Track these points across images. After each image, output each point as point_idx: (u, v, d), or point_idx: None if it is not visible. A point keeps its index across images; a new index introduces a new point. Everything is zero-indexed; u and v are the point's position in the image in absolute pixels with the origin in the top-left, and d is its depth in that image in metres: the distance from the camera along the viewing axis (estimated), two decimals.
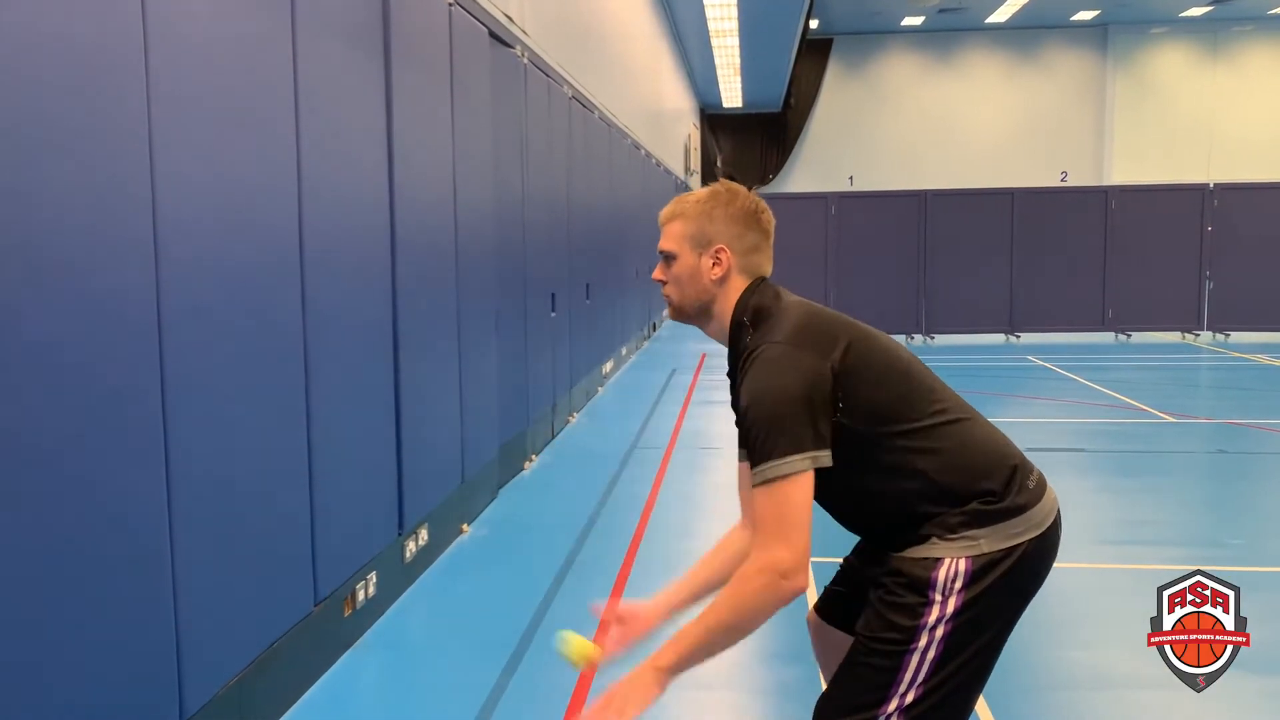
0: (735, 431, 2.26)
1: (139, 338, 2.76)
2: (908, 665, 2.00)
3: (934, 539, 2.03)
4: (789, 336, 2.05)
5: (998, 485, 2.04)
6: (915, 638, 2.00)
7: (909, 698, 2.00)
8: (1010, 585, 2.03)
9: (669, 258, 2.22)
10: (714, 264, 2.17)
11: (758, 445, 1.98)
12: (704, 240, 2.18)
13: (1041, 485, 2.12)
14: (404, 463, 4.78)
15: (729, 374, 2.23)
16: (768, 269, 2.23)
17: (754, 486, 1.98)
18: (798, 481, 1.94)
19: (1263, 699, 3.62)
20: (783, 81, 29.31)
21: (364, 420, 4.37)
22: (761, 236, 2.21)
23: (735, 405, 2.14)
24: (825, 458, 1.98)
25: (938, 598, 2.00)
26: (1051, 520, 2.10)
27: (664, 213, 2.24)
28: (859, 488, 2.10)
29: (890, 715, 2.00)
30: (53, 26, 2.45)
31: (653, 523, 5.93)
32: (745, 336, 2.13)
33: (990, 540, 2.01)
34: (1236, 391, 11.05)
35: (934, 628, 1.99)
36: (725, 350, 2.25)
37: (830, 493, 2.11)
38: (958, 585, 2.00)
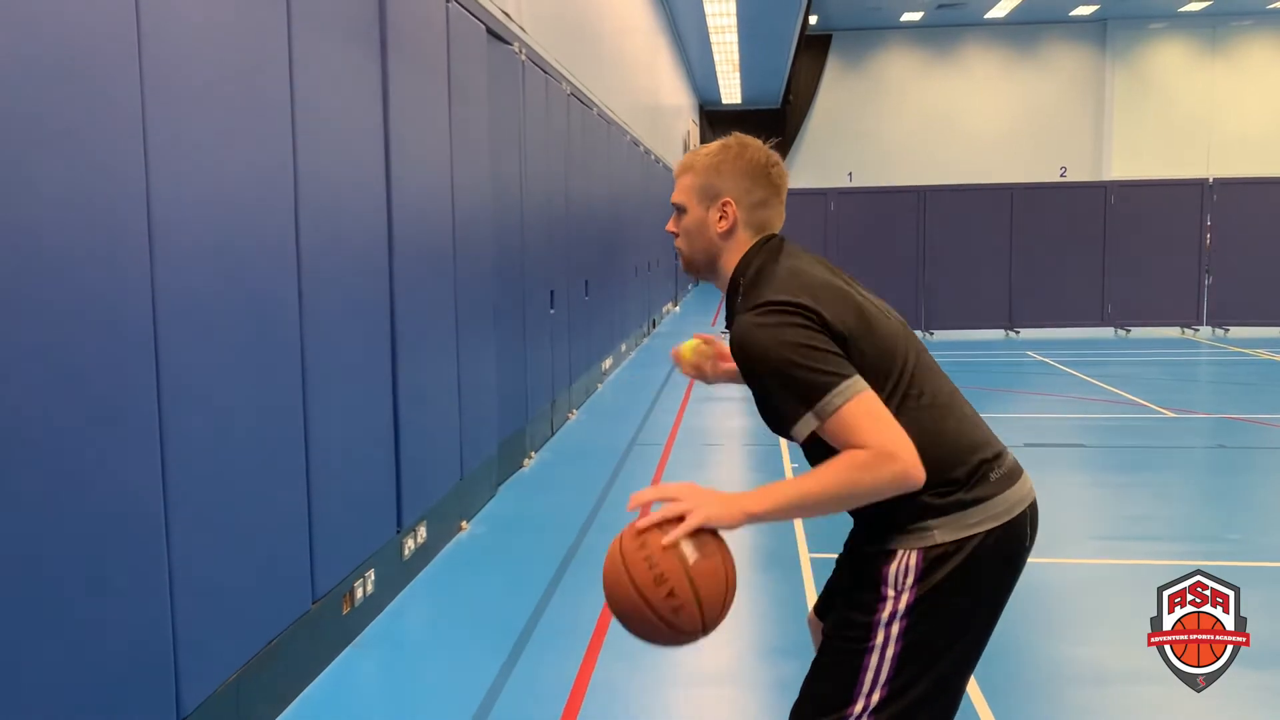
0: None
1: (134, 334, 2.75)
2: (868, 664, 1.96)
3: (891, 530, 1.98)
4: (779, 292, 1.99)
5: (956, 477, 1.97)
6: (871, 634, 1.96)
7: (875, 698, 1.95)
8: (969, 579, 1.96)
9: (680, 210, 2.21)
10: (720, 217, 2.15)
11: (797, 392, 1.90)
12: (711, 193, 2.15)
13: (1011, 477, 2.04)
14: (402, 459, 4.77)
15: (727, 327, 2.19)
16: (777, 224, 2.19)
17: (820, 430, 1.89)
18: (862, 400, 1.88)
19: (1262, 694, 3.62)
20: (782, 78, 29.28)
21: (362, 416, 4.36)
22: (771, 191, 2.17)
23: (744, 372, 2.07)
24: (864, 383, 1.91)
25: (890, 592, 1.95)
26: (1019, 511, 2.01)
27: (678, 165, 2.23)
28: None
29: (858, 716, 1.96)
30: (45, 19, 2.44)
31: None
32: (740, 298, 2.10)
33: (944, 531, 1.95)
34: (1236, 386, 11.05)
35: (889, 624, 1.95)
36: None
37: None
38: (909, 580, 1.95)
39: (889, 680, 1.95)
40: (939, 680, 1.97)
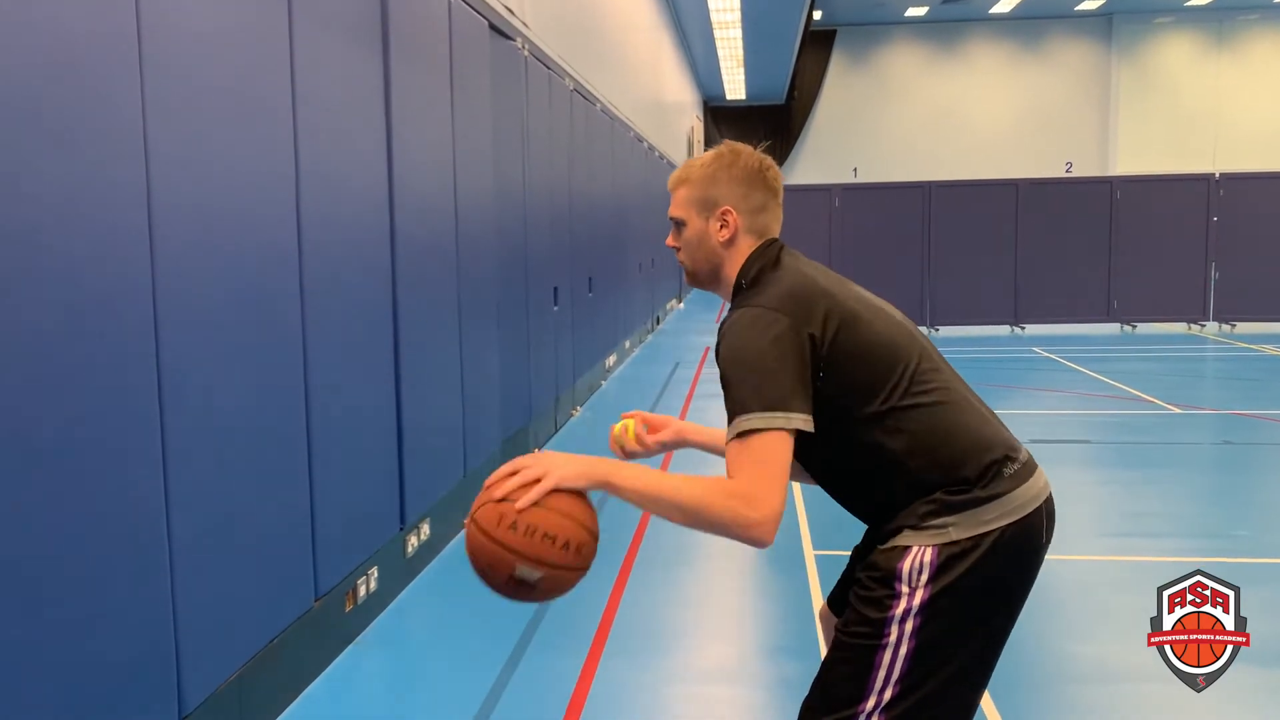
0: None
1: (135, 332, 2.74)
2: (880, 661, 1.94)
3: (904, 529, 1.98)
4: (770, 300, 2.01)
5: (969, 475, 1.97)
6: (884, 631, 1.94)
7: (886, 695, 1.94)
8: (985, 576, 1.95)
9: (679, 224, 2.20)
10: (721, 226, 2.15)
11: (734, 399, 1.92)
12: (710, 203, 2.15)
13: (1026, 472, 2.03)
14: (405, 457, 4.77)
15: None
16: (777, 228, 2.20)
17: (728, 442, 1.91)
18: (775, 439, 1.88)
19: (1266, 693, 3.60)
20: (786, 73, 29.24)
21: (365, 414, 4.36)
22: (769, 195, 2.17)
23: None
24: (804, 421, 1.91)
25: (904, 589, 1.94)
26: (1034, 506, 2.01)
27: (672, 178, 2.22)
28: (838, 468, 2.07)
29: (870, 714, 1.94)
30: (46, 19, 2.43)
31: (655, 517, 5.91)
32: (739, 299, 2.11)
33: (960, 528, 1.95)
34: (1242, 382, 11.01)
35: (902, 621, 1.93)
36: None
37: (817, 471, 2.11)
38: (924, 577, 1.93)
39: (902, 678, 1.94)
40: (952, 678, 1.96)
